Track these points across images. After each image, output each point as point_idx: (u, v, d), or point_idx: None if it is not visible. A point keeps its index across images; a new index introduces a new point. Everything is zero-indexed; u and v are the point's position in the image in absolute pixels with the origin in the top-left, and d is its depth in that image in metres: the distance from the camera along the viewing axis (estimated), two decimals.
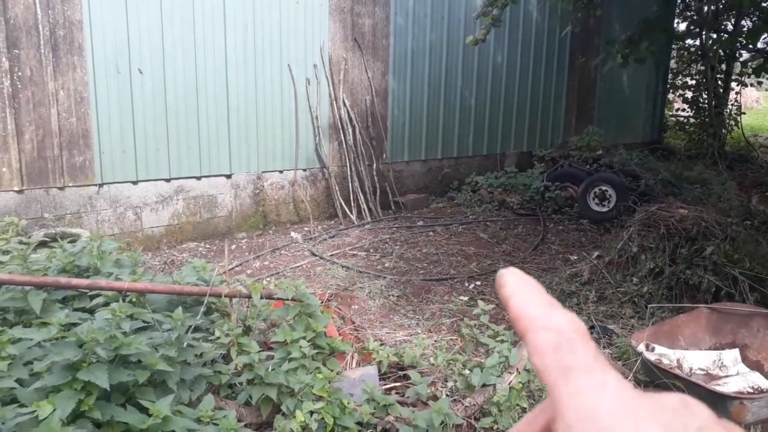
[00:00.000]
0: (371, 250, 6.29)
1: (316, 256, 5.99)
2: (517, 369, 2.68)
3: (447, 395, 2.69)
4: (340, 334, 3.32)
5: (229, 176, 6.64)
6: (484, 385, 2.75)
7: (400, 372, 2.98)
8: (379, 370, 2.87)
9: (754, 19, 9.44)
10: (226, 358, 2.69)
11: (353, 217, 7.30)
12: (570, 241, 6.67)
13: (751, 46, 9.22)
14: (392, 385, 2.86)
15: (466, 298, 5.18)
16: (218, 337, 2.60)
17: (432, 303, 5.05)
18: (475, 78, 8.77)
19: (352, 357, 2.88)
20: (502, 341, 2.85)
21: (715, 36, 11.49)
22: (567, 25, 5.29)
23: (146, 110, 5.99)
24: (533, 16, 9.14)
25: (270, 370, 2.37)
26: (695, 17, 11.88)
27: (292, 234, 6.72)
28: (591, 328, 4.31)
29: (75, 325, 2.20)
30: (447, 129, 8.63)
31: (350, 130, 7.40)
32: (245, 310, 2.85)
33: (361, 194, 7.46)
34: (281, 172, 7.03)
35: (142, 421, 1.88)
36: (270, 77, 6.77)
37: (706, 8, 11.20)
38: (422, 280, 5.54)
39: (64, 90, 5.54)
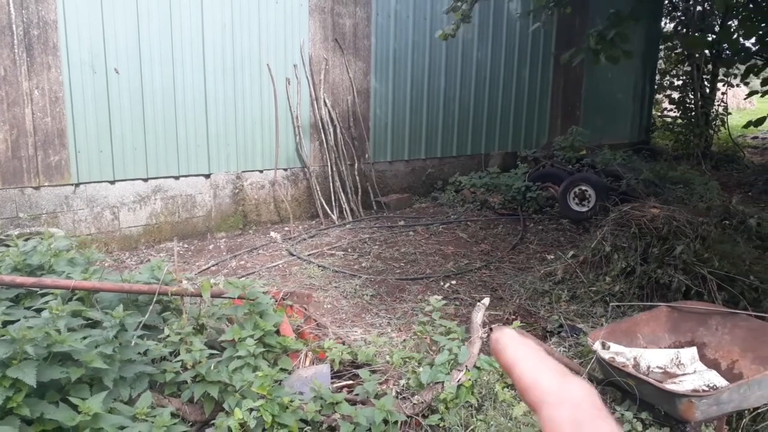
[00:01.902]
0: (349, 250, 6.28)
1: (294, 255, 5.99)
2: (466, 366, 2.68)
3: (396, 392, 2.69)
4: (300, 333, 3.32)
5: (208, 176, 6.63)
6: (436, 383, 2.75)
7: (356, 370, 2.97)
8: (334, 369, 2.87)
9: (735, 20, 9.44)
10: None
11: (334, 217, 7.30)
12: (548, 241, 6.67)
13: (723, 45, 9.24)
14: (345, 383, 2.86)
15: (440, 297, 5.15)
16: (168, 336, 2.60)
17: (405, 302, 5.05)
18: (458, 78, 8.77)
19: (306, 355, 2.88)
20: (453, 338, 2.85)
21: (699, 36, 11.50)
22: (546, 22, 5.28)
23: (123, 110, 5.98)
24: (517, 15, 9.14)
25: (212, 368, 2.37)
26: (682, 17, 11.92)
27: (272, 234, 6.71)
28: (560, 327, 4.31)
29: (13, 322, 2.20)
30: (430, 129, 8.63)
31: (331, 130, 7.40)
32: (198, 308, 2.85)
33: (342, 194, 7.45)
34: (261, 171, 7.02)
35: (71, 418, 1.88)
36: (249, 77, 6.76)
37: (692, 8, 11.23)
38: (397, 279, 5.54)
39: (39, 89, 5.53)
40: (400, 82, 8.14)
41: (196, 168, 6.53)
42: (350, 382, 2.85)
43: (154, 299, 2.63)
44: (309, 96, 7.27)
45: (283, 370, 2.72)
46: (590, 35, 4.75)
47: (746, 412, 3.01)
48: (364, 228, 7.10)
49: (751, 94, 5.28)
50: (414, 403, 2.57)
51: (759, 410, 3.01)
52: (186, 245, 6.39)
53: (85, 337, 2.11)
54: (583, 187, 7.06)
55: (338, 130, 7.47)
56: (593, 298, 4.76)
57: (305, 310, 3.57)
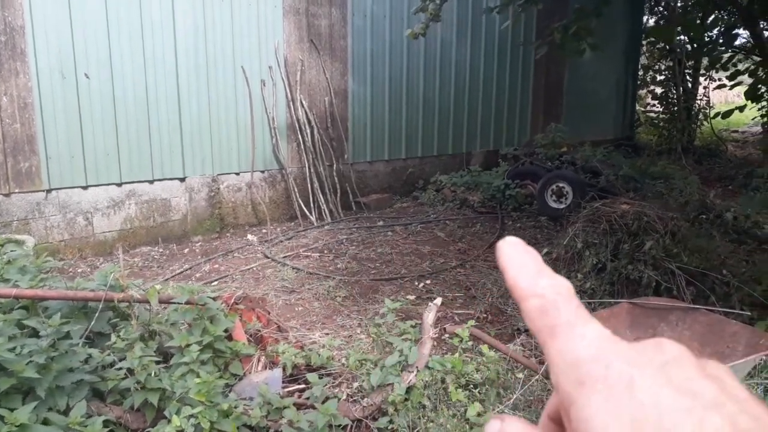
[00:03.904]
0: (325, 251, 6.26)
1: (269, 258, 5.96)
2: (417, 367, 2.66)
3: (348, 395, 2.67)
4: (260, 338, 3.29)
5: (183, 179, 6.60)
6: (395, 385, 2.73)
7: (311, 374, 2.94)
8: (287, 373, 2.84)
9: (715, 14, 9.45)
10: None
11: (313, 219, 7.27)
12: (526, 238, 6.51)
13: (682, 37, 9.27)
14: (298, 387, 2.83)
15: (413, 297, 5.16)
16: (114, 343, 2.57)
17: (378, 303, 5.02)
18: (438, 78, 8.76)
19: (259, 360, 2.86)
20: (406, 339, 2.83)
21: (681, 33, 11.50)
22: (516, 19, 5.27)
23: (94, 115, 5.94)
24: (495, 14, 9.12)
25: (153, 375, 2.35)
26: (664, 12, 11.93)
27: (249, 236, 6.68)
28: None
29: None
30: (410, 129, 8.61)
31: (309, 131, 7.37)
32: (149, 315, 2.82)
33: (321, 195, 7.43)
34: (238, 174, 6.99)
35: None
36: (223, 79, 6.73)
37: (673, 3, 11.24)
38: (372, 280, 5.52)
39: (7, 96, 5.49)
40: (379, 82, 8.11)
41: (170, 171, 6.50)
42: (303, 386, 2.82)
43: (100, 306, 2.60)
44: (285, 97, 7.24)
45: (233, 375, 2.69)
46: (555, 29, 4.74)
47: None
48: (343, 229, 7.07)
49: (720, 86, 5.28)
50: (364, 406, 2.55)
51: None
52: (161, 249, 6.36)
53: (15, 347, 2.08)
54: (561, 184, 7.05)
55: (316, 131, 7.44)
56: None
57: (268, 313, 3.55)
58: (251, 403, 2.48)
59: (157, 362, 2.62)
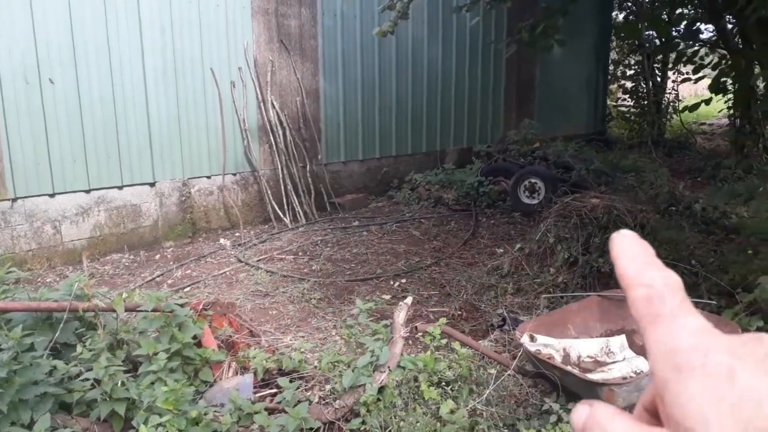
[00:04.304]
0: (300, 253, 6.23)
1: (242, 262, 5.91)
2: (389, 367, 2.65)
3: (320, 398, 2.66)
4: (232, 343, 3.26)
5: (152, 184, 6.51)
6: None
7: (283, 378, 2.92)
8: (258, 378, 2.82)
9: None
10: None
11: (287, 221, 7.23)
12: (499, 235, 6.71)
13: (649, 32, 9.42)
14: (270, 392, 2.81)
15: (388, 297, 5.16)
16: (80, 353, 2.52)
17: (353, 304, 5.00)
18: (410, 76, 8.76)
19: (230, 366, 2.83)
20: (378, 339, 2.83)
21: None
22: (485, 16, 5.30)
23: (60, 120, 5.83)
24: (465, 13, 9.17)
25: (120, 384, 2.31)
26: (632, 8, 12.09)
27: (222, 240, 6.62)
28: (502, 320, 4.31)
29: None
30: (384, 128, 8.61)
31: (281, 132, 7.32)
32: (117, 323, 2.78)
33: (294, 197, 7.39)
34: (209, 177, 6.92)
35: None
36: (192, 81, 6.65)
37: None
38: (347, 281, 5.50)
39: None
40: (351, 82, 8.09)
41: (140, 177, 6.40)
42: (275, 390, 2.80)
43: (64, 317, 2.55)
44: (256, 98, 7.18)
45: (204, 382, 2.66)
46: (522, 28, 4.78)
47: None
48: (317, 230, 7.05)
49: (684, 80, 5.37)
50: (336, 408, 2.54)
51: None
52: (132, 256, 6.26)
53: None
54: (533, 180, 7.11)
55: (288, 132, 7.40)
56: (537, 290, 4.79)
57: (239, 318, 3.52)
58: (222, 410, 2.45)
59: (125, 371, 2.58)
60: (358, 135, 8.32)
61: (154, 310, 2.63)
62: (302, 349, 3.13)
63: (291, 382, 2.72)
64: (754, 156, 8.22)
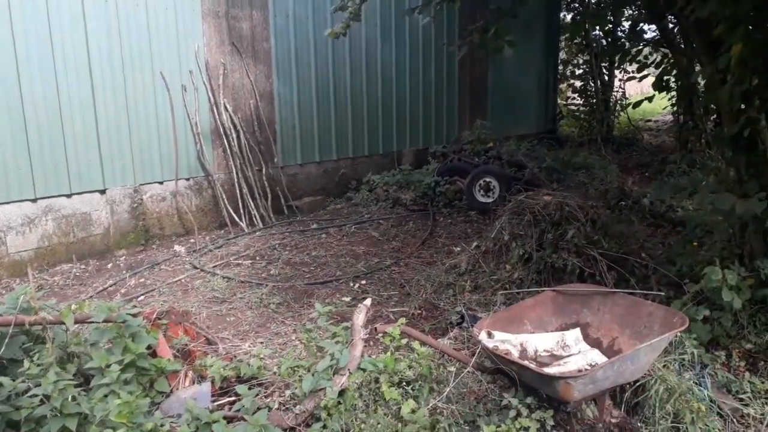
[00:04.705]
0: (257, 258, 6.15)
1: (197, 268, 5.80)
2: (349, 370, 2.65)
3: (280, 404, 2.63)
4: (189, 352, 3.20)
5: (103, 191, 6.32)
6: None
7: (242, 385, 2.88)
8: (216, 386, 2.77)
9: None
10: None
11: (243, 225, 7.14)
12: (456, 233, 6.78)
13: (598, 32, 9.70)
14: (228, 400, 2.77)
15: (348, 299, 5.15)
16: (28, 369, 2.43)
17: (313, 308, 4.97)
18: (365, 78, 8.77)
19: (186, 375, 2.77)
20: (338, 342, 2.82)
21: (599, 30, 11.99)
22: (436, 17, 5.34)
23: (2, 128, 5.60)
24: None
25: (70, 399, 2.24)
26: (579, 8, 12.40)
27: (176, 247, 6.48)
28: (461, 318, 4.36)
29: None
30: (340, 130, 8.59)
31: (234, 135, 7.22)
32: (66, 336, 2.69)
33: (251, 201, 7.30)
34: (161, 183, 6.77)
35: None
36: (142, 86, 6.50)
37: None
38: (306, 284, 5.47)
39: None
40: (305, 84, 8.05)
41: (89, 184, 6.21)
42: (234, 398, 2.76)
43: (10, 331, 2.46)
44: (208, 102, 7.06)
45: (159, 393, 2.60)
46: (473, 30, 4.84)
47: (627, 386, 3.14)
48: (275, 234, 6.98)
49: (629, 79, 5.54)
50: (296, 414, 2.52)
51: (639, 383, 3.14)
52: (83, 266, 6.07)
53: None
54: (488, 179, 7.22)
55: (242, 135, 7.30)
56: (494, 286, 4.86)
57: (195, 326, 3.45)
58: (178, 421, 2.40)
59: (77, 385, 2.50)
60: (314, 137, 8.28)
61: (105, 321, 2.55)
62: (261, 356, 3.09)
63: (250, 389, 2.69)
64: (697, 151, 8.55)
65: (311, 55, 8.04)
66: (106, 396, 2.35)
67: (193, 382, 2.79)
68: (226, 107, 7.18)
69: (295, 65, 7.89)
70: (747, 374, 3.48)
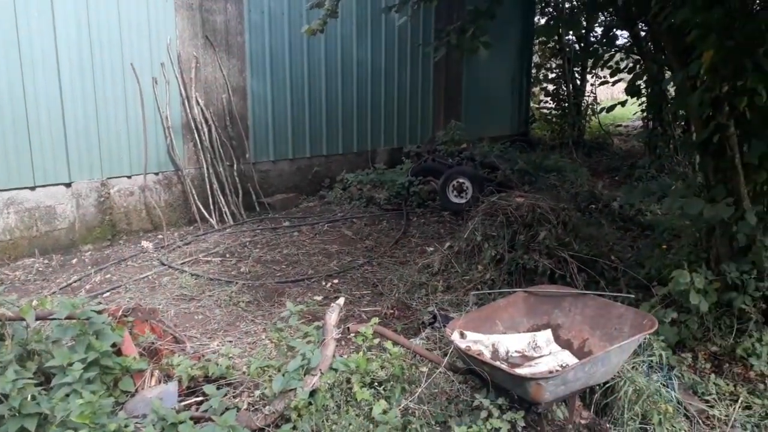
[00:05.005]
0: (227, 255, 6.05)
1: (165, 265, 5.68)
2: (320, 370, 2.61)
3: (249, 404, 2.58)
4: (156, 351, 3.11)
5: (68, 185, 6.15)
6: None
7: (210, 385, 2.82)
8: (183, 386, 2.71)
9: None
10: None
11: (213, 222, 7.02)
12: (429, 233, 6.78)
13: (571, 37, 9.82)
14: (196, 399, 2.70)
15: (320, 298, 5.10)
16: None
17: (284, 306, 4.90)
18: (340, 76, 8.72)
19: (152, 374, 2.70)
20: (309, 342, 2.78)
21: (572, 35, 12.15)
22: (413, 16, 5.32)
23: None
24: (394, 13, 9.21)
25: (30, 398, 2.15)
26: (553, 13, 12.55)
27: (143, 243, 6.34)
28: (433, 318, 4.35)
29: None
30: (314, 127, 8.52)
31: (206, 130, 7.10)
32: (26, 333, 2.59)
33: (221, 197, 7.18)
34: (130, 177, 6.61)
35: None
36: (111, 77, 6.34)
37: (561, 4, 11.85)
38: (277, 282, 5.39)
39: None
40: (279, 80, 7.96)
41: (54, 177, 6.04)
42: (201, 398, 2.70)
43: None
44: (180, 95, 6.93)
45: (124, 392, 2.52)
46: (450, 31, 4.84)
47: (597, 387, 3.17)
48: (246, 231, 6.88)
49: (602, 83, 5.62)
50: (266, 414, 2.47)
51: (608, 384, 3.17)
52: (47, 261, 5.89)
53: None
54: (461, 180, 7.24)
55: (214, 130, 7.19)
56: (466, 287, 4.86)
57: (163, 324, 3.37)
58: (143, 421, 2.34)
59: (37, 384, 2.41)
60: (288, 134, 8.20)
61: (68, 318, 2.47)
62: (230, 355, 3.03)
63: (218, 389, 2.63)
64: (665, 156, 8.71)
65: (286, 52, 7.96)
66: (67, 395, 2.26)
67: (160, 382, 2.71)
68: (197, 101, 7.05)
69: (270, 61, 7.80)
70: (712, 376, 3.54)
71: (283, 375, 2.55)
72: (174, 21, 6.80)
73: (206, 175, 7.10)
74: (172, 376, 2.77)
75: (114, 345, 2.63)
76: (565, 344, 3.37)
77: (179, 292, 5.06)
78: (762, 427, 3.18)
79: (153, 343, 3.07)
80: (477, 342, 3.17)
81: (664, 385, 3.27)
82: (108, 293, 5.07)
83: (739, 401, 3.34)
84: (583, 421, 3.12)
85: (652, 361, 3.33)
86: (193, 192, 7.00)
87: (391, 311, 4.77)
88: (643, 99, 7.08)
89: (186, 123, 7.01)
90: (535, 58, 13.34)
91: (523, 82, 12.11)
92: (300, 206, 8.12)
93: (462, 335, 3.14)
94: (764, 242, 3.71)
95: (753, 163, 3.69)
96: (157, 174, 6.84)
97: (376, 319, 3.19)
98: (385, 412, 2.67)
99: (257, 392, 2.72)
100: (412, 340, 3.85)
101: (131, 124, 6.53)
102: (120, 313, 2.82)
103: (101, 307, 2.73)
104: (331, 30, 8.30)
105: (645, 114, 10.19)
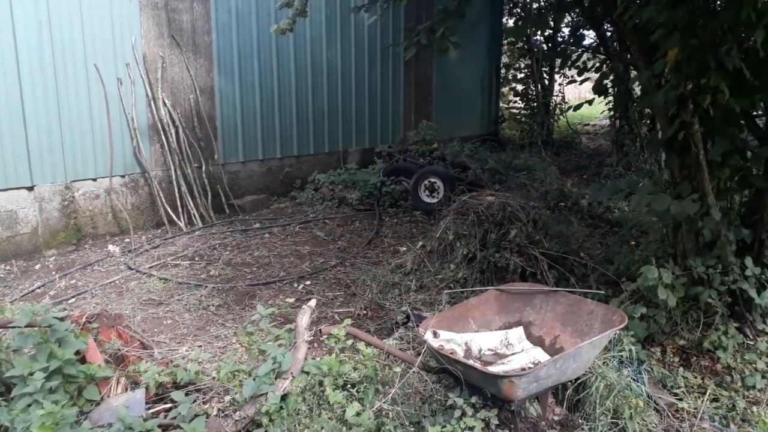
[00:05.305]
0: (196, 258, 5.95)
1: (133, 269, 5.55)
2: (292, 373, 2.57)
3: (219, 410, 2.53)
4: (122, 357, 3.03)
5: (31, 188, 5.98)
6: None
7: (179, 391, 2.75)
8: (150, 393, 2.64)
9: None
10: None
11: (182, 224, 6.90)
12: (402, 233, 6.77)
13: (539, 37, 9.95)
14: (165, 407, 2.64)
15: (292, 300, 5.05)
16: None
17: (255, 309, 4.83)
18: (310, 76, 8.65)
19: (118, 382, 2.62)
20: (281, 345, 2.74)
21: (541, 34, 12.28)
22: (382, 15, 5.30)
23: None
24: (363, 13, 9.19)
25: None
26: (521, 14, 12.67)
27: (110, 247, 6.19)
28: (406, 317, 4.33)
29: None
30: (285, 127, 8.44)
31: (173, 131, 6.98)
32: None
33: (190, 199, 7.06)
34: (95, 180, 6.46)
35: None
36: (74, 78, 6.18)
37: (529, 5, 11.98)
38: (248, 285, 5.33)
39: None
40: (248, 80, 7.86)
41: (15, 180, 5.86)
42: (170, 405, 2.63)
43: None
44: (146, 96, 6.79)
45: (89, 401, 2.44)
46: (420, 31, 4.84)
47: (569, 383, 3.19)
48: (215, 233, 6.77)
49: (570, 82, 5.68)
50: (236, 420, 2.42)
51: (580, 380, 3.19)
52: (8, 267, 5.72)
53: None
54: (432, 180, 7.26)
55: (181, 131, 7.07)
56: (439, 286, 4.87)
57: (130, 330, 3.29)
58: (109, 430, 2.26)
59: None
60: (258, 134, 8.10)
61: (29, 326, 2.38)
62: (199, 360, 2.97)
63: (187, 395, 2.56)
64: (632, 154, 8.87)
65: (255, 52, 7.87)
66: (29, 406, 2.18)
67: (126, 389, 2.64)
68: (164, 102, 6.92)
69: (238, 61, 7.70)
70: (681, 369, 3.60)
71: (254, 379, 2.51)
72: (139, 20, 6.66)
73: (174, 177, 6.97)
74: (139, 383, 2.70)
75: (78, 352, 2.55)
76: (537, 341, 3.39)
77: (147, 297, 4.96)
78: (729, 418, 3.25)
79: (119, 349, 2.98)
80: (450, 341, 3.16)
81: (634, 379, 3.31)
82: (73, 299, 4.95)
83: (707, 393, 3.40)
84: (555, 418, 3.14)
85: (622, 356, 3.36)
86: (161, 194, 6.87)
87: (365, 312, 4.74)
88: (610, 98, 7.19)
89: (153, 124, 6.87)
90: (504, 59, 13.44)
91: (492, 83, 12.19)
92: (271, 207, 8.03)
93: (435, 334, 3.13)
94: (728, 237, 3.78)
95: (717, 160, 3.76)
96: (123, 176, 6.69)
97: (348, 321, 3.16)
98: (358, 414, 2.65)
99: (227, 398, 2.67)
100: (385, 340, 3.83)
101: (96, 125, 6.38)
102: (84, 320, 2.74)
103: (64, 314, 2.64)
104: (301, 30, 8.24)
105: (612, 113, 10.34)
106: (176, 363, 3.01)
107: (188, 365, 2.87)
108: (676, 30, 3.35)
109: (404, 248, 6.10)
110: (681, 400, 3.35)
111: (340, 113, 9.15)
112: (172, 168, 6.96)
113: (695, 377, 3.56)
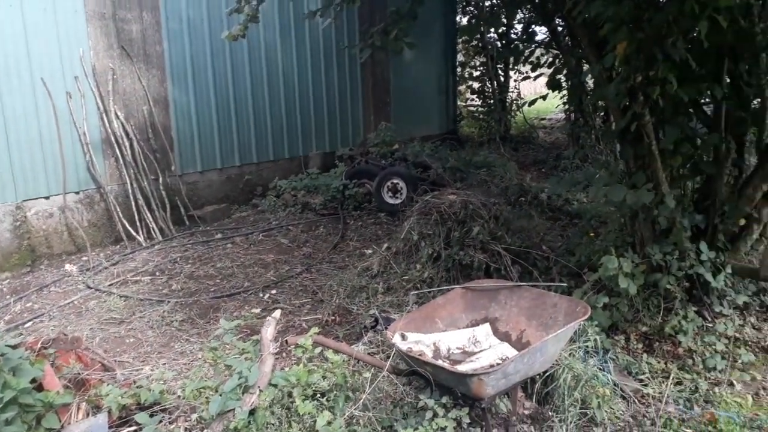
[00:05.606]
0: (157, 273, 5.82)
1: (91, 288, 5.40)
2: (259, 387, 2.53)
3: (186, 429, 2.47)
4: (83, 381, 2.93)
5: None
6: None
7: (143, 412, 2.68)
8: (113, 417, 2.56)
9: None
10: None
11: (141, 239, 6.74)
12: (367, 236, 6.76)
13: (493, 35, 10.08)
14: (130, 429, 2.56)
15: (258, 310, 4.98)
16: None
17: (220, 322, 4.76)
18: (266, 82, 8.56)
19: (78, 408, 2.53)
20: (247, 359, 2.69)
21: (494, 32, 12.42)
22: (336, 18, 5.27)
23: None
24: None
25: None
26: (474, 12, 12.80)
27: (67, 266, 6.00)
28: (375, 321, 4.32)
29: None
30: (242, 135, 8.33)
31: (127, 144, 6.81)
32: None
33: (148, 212, 6.90)
34: (48, 198, 6.25)
35: None
36: (20, 94, 5.97)
37: (482, 3, 12.10)
38: (212, 298, 5.23)
39: None
40: (202, 89, 7.73)
41: None
42: (134, 428, 2.56)
43: None
44: (97, 109, 6.61)
45: (48, 430, 2.35)
46: (374, 33, 4.84)
47: (537, 377, 3.22)
48: (176, 247, 6.63)
49: (524, 79, 5.76)
50: None
51: (548, 373, 3.23)
52: None
53: None
54: (395, 181, 7.27)
55: (136, 144, 6.90)
56: (406, 287, 4.87)
57: (90, 352, 3.18)
58: None
59: None
60: (215, 143, 7.97)
61: None
62: (163, 379, 2.89)
63: (152, 416, 2.50)
64: (588, 146, 9.05)
65: (208, 60, 7.74)
66: None
67: (88, 414, 2.55)
68: (117, 114, 6.75)
69: (192, 70, 7.57)
70: (644, 355, 3.69)
71: (221, 395, 2.45)
72: (86, 32, 6.48)
73: (130, 190, 6.80)
74: (102, 407, 2.62)
75: (34, 380, 2.46)
76: (504, 337, 3.41)
77: (108, 316, 4.82)
78: (693, 401, 3.33)
79: (79, 373, 2.89)
80: (418, 342, 3.16)
81: (600, 368, 3.37)
82: (30, 323, 4.78)
83: (671, 377, 3.49)
84: (526, 412, 3.17)
85: (587, 346, 3.42)
86: (118, 209, 6.69)
87: (333, 318, 4.71)
88: (564, 92, 7.32)
89: (106, 138, 6.69)
90: (460, 57, 13.56)
91: (449, 81, 12.28)
92: (232, 217, 7.91)
93: (403, 337, 3.12)
94: (683, 223, 3.89)
95: (668, 149, 3.86)
96: (77, 193, 6.50)
97: (315, 329, 3.13)
98: (329, 423, 2.62)
99: (194, 416, 2.61)
100: (354, 345, 3.81)
101: (45, 141, 6.18)
102: (39, 345, 2.64)
103: (17, 341, 2.54)
104: (255, 36, 8.14)
105: (567, 106, 10.55)
106: (140, 383, 2.93)
107: (152, 385, 2.80)
108: (623, 24, 3.42)
109: (370, 251, 6.08)
110: (646, 386, 3.43)
111: (298, 118, 9.09)
112: (128, 181, 6.79)
113: (659, 362, 3.65)
